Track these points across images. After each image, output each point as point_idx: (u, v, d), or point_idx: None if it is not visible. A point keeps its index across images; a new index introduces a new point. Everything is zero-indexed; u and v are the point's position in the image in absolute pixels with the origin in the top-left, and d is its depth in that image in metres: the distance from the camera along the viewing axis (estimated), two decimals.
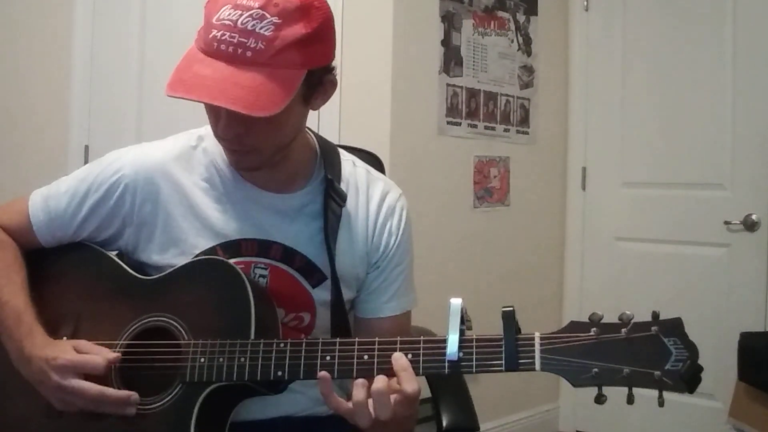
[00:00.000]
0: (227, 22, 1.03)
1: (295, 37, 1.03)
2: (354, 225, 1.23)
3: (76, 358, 1.07)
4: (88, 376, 1.06)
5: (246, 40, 1.02)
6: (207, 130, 1.25)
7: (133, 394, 1.06)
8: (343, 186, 1.23)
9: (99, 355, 1.08)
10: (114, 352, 1.09)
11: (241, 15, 1.02)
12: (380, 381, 0.98)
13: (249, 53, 1.02)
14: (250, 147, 1.12)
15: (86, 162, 2.43)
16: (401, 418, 1.00)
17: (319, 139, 1.28)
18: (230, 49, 1.02)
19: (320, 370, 1.00)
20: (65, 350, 1.08)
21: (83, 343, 1.10)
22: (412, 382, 0.98)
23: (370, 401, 0.98)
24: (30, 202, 1.22)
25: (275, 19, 1.02)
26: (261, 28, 1.02)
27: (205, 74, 1.02)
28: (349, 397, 1.00)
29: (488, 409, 2.65)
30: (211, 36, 1.03)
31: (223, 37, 1.02)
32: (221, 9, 1.04)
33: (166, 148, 1.23)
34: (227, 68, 1.02)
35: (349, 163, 1.29)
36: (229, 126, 1.08)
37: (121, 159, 1.21)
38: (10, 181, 2.60)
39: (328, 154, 1.26)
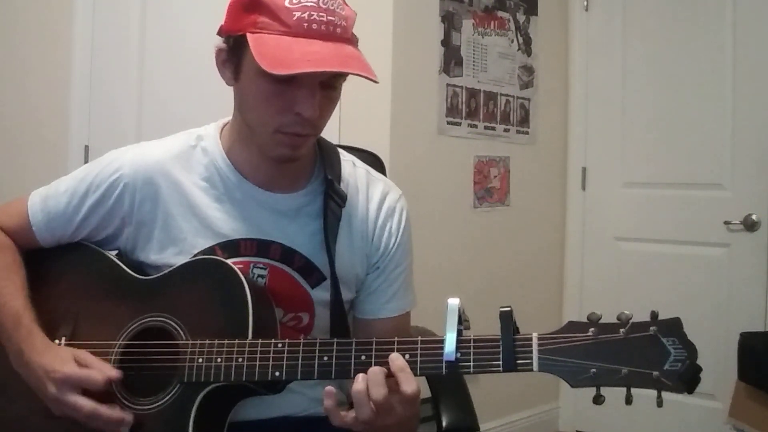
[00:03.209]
0: (310, 4, 1.04)
1: (353, 16, 1.10)
2: (354, 225, 1.23)
3: (75, 373, 1.06)
4: (86, 390, 1.06)
5: (333, 18, 1.06)
6: (206, 129, 1.25)
7: (127, 417, 1.06)
8: (342, 186, 1.23)
9: (98, 370, 1.07)
10: (113, 368, 1.09)
11: None
12: (375, 369, 0.98)
13: (339, 30, 1.06)
14: (316, 129, 1.14)
15: (86, 162, 2.42)
16: (403, 418, 1.00)
17: (319, 139, 1.28)
18: (323, 27, 1.05)
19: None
20: (65, 361, 1.07)
21: (84, 354, 1.09)
22: (410, 383, 0.97)
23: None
24: (29, 202, 1.22)
25: None
26: (337, 6, 1.07)
27: (314, 50, 1.03)
28: (348, 397, 1.00)
29: (488, 409, 2.65)
30: (296, 18, 1.04)
31: (312, 17, 1.04)
32: None
33: (165, 148, 1.22)
34: (327, 44, 1.04)
35: (349, 164, 1.28)
36: (318, 107, 1.08)
37: (120, 159, 1.21)
38: (10, 181, 2.60)
39: (327, 155, 1.26)
